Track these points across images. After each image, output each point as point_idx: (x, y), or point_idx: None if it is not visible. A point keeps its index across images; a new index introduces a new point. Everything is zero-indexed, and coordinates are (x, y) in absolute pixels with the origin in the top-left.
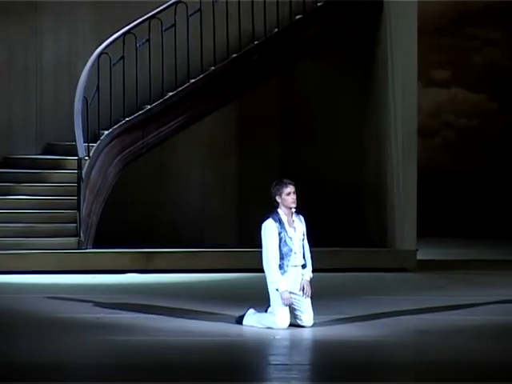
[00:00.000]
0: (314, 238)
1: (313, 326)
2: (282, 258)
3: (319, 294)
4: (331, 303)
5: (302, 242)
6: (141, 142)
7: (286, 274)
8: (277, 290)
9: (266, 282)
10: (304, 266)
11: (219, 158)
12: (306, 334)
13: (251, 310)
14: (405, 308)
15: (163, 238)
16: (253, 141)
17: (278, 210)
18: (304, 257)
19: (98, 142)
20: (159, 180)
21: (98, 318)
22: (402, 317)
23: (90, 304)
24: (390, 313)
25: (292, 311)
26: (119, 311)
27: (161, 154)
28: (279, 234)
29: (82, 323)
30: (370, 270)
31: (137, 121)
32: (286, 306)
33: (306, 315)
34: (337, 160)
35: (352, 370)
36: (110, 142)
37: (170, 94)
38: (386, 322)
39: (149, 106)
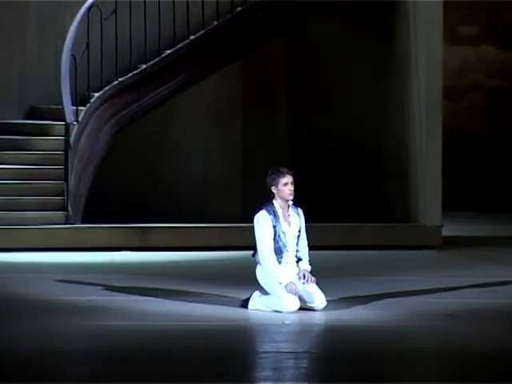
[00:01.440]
0: (330, 213)
1: (325, 309)
2: (277, 252)
3: (334, 274)
4: (347, 284)
5: (296, 239)
6: (135, 105)
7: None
8: (280, 283)
9: (259, 273)
10: (298, 261)
11: (222, 123)
12: (318, 318)
13: (257, 293)
14: (428, 289)
15: (160, 211)
16: (259, 104)
17: (274, 202)
18: (297, 254)
19: (88, 105)
20: (156, 147)
21: (89, 301)
22: (426, 299)
23: (80, 285)
24: (411, 295)
25: (301, 298)
26: (113, 293)
27: (158, 118)
28: (273, 227)
29: (70, 307)
30: (391, 247)
31: (131, 82)
32: (296, 294)
33: (317, 297)
34: (352, 128)
35: (368, 358)
36: (101, 105)
37: (168, 51)
38: (407, 305)
39: (144, 66)
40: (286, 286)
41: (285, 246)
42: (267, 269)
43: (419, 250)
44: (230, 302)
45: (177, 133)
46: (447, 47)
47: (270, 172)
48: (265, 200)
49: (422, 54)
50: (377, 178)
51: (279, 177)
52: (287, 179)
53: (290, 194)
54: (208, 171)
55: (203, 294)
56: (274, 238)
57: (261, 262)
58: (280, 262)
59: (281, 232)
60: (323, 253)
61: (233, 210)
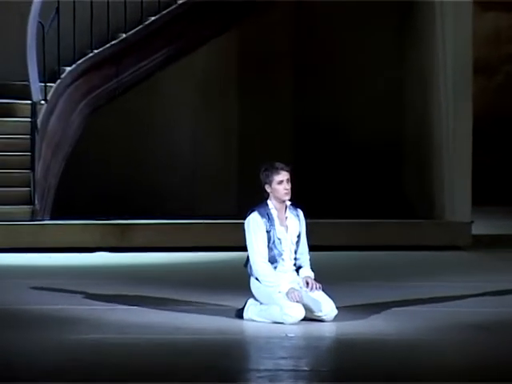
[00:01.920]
0: (341, 208)
1: (335, 319)
2: (270, 261)
3: (345, 279)
4: (360, 290)
5: (294, 246)
6: (114, 81)
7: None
8: (280, 292)
9: (255, 285)
10: (298, 270)
11: (215, 104)
12: (326, 330)
13: (252, 301)
14: (456, 296)
15: (143, 206)
16: (259, 82)
17: (268, 202)
18: (296, 261)
19: (58, 81)
20: (138, 131)
21: (59, 309)
22: (453, 308)
23: (49, 292)
24: (436, 302)
25: (306, 306)
26: (87, 301)
27: (140, 96)
28: (267, 232)
29: (37, 318)
30: (412, 247)
31: (108, 54)
32: (299, 302)
33: (325, 305)
34: (367, 110)
35: (385, 379)
36: (74, 81)
37: (152, 18)
38: (431, 316)
39: (124, 35)
40: (287, 294)
41: (280, 255)
42: (262, 278)
43: (445, 250)
44: (223, 312)
45: (162, 114)
46: (477, 14)
47: (263, 168)
48: (264, 194)
49: (448, 22)
50: (396, 167)
51: (273, 174)
52: (282, 176)
53: (285, 194)
54: (198, 159)
55: (192, 302)
56: (268, 245)
57: (254, 272)
58: (275, 269)
59: (276, 238)
60: (333, 254)
61: (227, 204)
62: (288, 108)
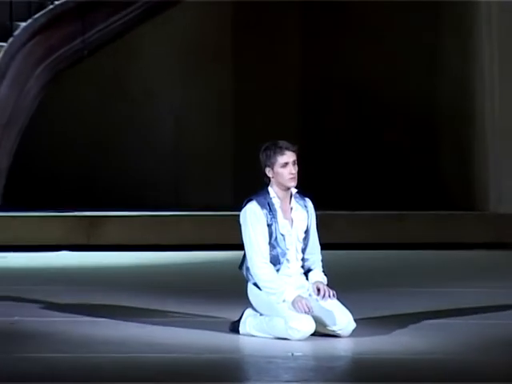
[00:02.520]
0: (362, 197)
1: (352, 334)
2: (271, 263)
3: (366, 284)
4: (385, 298)
5: (301, 244)
6: (80, 39)
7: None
8: (284, 301)
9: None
10: (307, 272)
11: (206, 70)
12: (342, 347)
13: (250, 312)
14: (502, 306)
15: (116, 194)
16: (258, 43)
17: (269, 190)
18: (304, 263)
19: (11, 40)
20: (109, 103)
21: (11, 323)
22: (497, 320)
23: (0, 301)
24: (477, 313)
25: (317, 319)
26: (46, 312)
27: (112, 59)
28: (268, 226)
29: None
30: (448, 245)
31: (72, 6)
32: (308, 313)
33: (340, 317)
34: (392, 70)
35: None
36: (30, 40)
37: None
38: (472, 329)
39: None
40: (293, 303)
41: (284, 254)
42: (262, 284)
43: (489, 249)
44: (214, 325)
45: (139, 83)
46: None
47: (263, 147)
48: (265, 179)
49: None
50: (428, 146)
51: (275, 154)
52: (287, 157)
53: (291, 180)
54: (184, 140)
55: (175, 312)
56: (270, 243)
57: (252, 276)
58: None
59: (278, 234)
60: (351, 253)
61: (219, 192)
62: (295, 75)
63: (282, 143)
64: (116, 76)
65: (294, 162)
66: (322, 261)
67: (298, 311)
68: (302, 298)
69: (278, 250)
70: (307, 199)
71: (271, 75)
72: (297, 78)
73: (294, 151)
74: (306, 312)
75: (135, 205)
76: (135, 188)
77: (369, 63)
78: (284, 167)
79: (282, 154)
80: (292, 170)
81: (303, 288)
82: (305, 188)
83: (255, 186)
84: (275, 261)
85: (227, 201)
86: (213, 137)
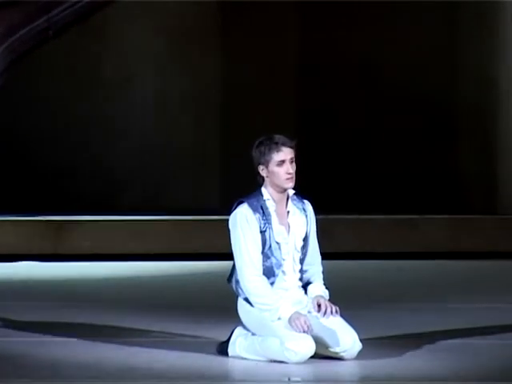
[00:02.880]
0: (373, 199)
1: (358, 356)
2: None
3: (375, 298)
4: (395, 315)
5: (299, 253)
6: (44, 17)
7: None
8: (280, 318)
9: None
10: (305, 286)
11: (190, 54)
12: (346, 371)
13: (241, 331)
14: None
15: (86, 196)
16: (249, 21)
17: (263, 191)
18: (302, 275)
19: None
20: (79, 90)
21: None
22: None
23: None
24: (499, 333)
25: (317, 339)
26: (6, 332)
27: (82, 41)
28: (261, 233)
29: None
30: (468, 254)
31: None
32: (304, 332)
33: (345, 337)
34: (407, 57)
35: None
36: None
37: None
38: (490, 351)
39: None
40: (289, 321)
41: (279, 265)
42: (254, 299)
43: None
44: (200, 346)
45: (112, 67)
46: None
47: (256, 142)
48: (258, 178)
49: None
50: (446, 141)
51: (271, 151)
52: (284, 155)
53: (288, 180)
54: (165, 132)
55: (156, 332)
56: (263, 252)
57: (243, 290)
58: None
59: (273, 242)
60: (357, 264)
61: (205, 194)
62: (293, 56)
63: (278, 138)
64: (86, 60)
65: (291, 159)
66: (322, 272)
67: (295, 330)
68: (300, 314)
69: (273, 260)
70: (306, 202)
71: (265, 62)
72: (295, 59)
73: (291, 147)
74: (304, 331)
75: (108, 208)
76: (109, 188)
77: (382, 53)
78: (280, 166)
79: (279, 151)
80: (289, 169)
81: (301, 304)
82: (303, 189)
83: (246, 187)
84: (269, 273)
85: (214, 203)
86: (198, 131)
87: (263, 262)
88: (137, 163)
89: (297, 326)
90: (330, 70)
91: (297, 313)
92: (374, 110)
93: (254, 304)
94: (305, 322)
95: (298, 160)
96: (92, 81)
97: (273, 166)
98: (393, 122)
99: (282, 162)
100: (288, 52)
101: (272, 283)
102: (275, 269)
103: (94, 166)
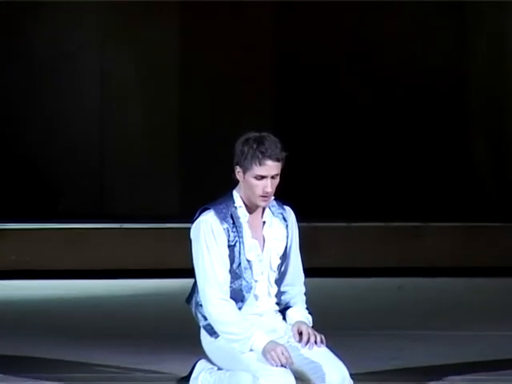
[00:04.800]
0: (355, 206)
1: None
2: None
3: (370, 324)
4: (391, 345)
5: (275, 273)
6: None
7: None
8: (252, 350)
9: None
10: (284, 311)
11: (142, 30)
12: None
13: (205, 364)
14: None
15: (21, 200)
16: None
17: (234, 195)
18: (280, 297)
19: None
20: (9, 73)
21: None
22: None
23: None
24: None
25: (298, 374)
26: None
27: (18, 15)
28: (230, 246)
29: None
30: (482, 270)
31: None
32: (282, 366)
33: (331, 372)
34: (407, 39)
35: None
36: None
37: None
38: None
39: None
40: (263, 352)
41: (250, 288)
42: (220, 328)
43: None
44: (156, 382)
45: (50, 46)
46: None
47: (244, 138)
48: (233, 176)
49: None
50: (456, 140)
51: (253, 159)
52: (266, 170)
53: (261, 199)
54: (113, 128)
55: (104, 366)
56: (230, 270)
57: (206, 314)
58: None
59: (243, 259)
60: (347, 282)
61: (162, 200)
62: (269, 29)
63: (266, 147)
64: (17, 34)
65: (275, 175)
66: (305, 294)
67: (271, 364)
68: (277, 344)
69: (242, 282)
70: (288, 209)
71: (237, 38)
72: (273, 45)
73: (279, 161)
74: (282, 364)
75: (43, 215)
76: (47, 191)
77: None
78: (258, 180)
79: (262, 164)
80: (268, 186)
81: (276, 332)
82: (284, 194)
83: (212, 190)
84: (237, 297)
85: (172, 209)
86: (152, 122)
87: (230, 283)
88: (77, 163)
89: (272, 359)
90: (313, 59)
91: (272, 342)
92: (366, 101)
93: (219, 333)
94: (282, 353)
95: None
96: (23, 57)
97: (250, 177)
98: (389, 114)
99: (262, 177)
100: (264, 35)
101: (239, 308)
102: (244, 292)
103: (27, 162)
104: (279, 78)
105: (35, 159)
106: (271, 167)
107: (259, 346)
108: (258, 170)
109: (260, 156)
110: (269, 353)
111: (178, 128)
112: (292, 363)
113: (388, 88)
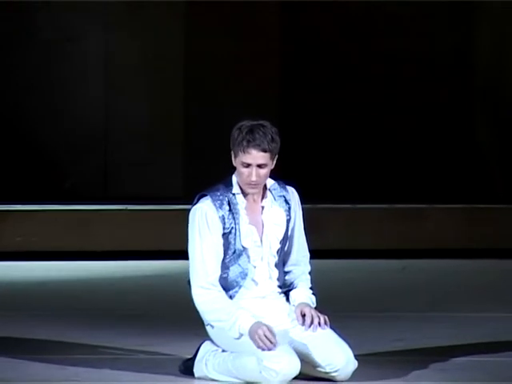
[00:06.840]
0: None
1: (352, 377)
2: (226, 288)
3: (374, 306)
4: (396, 326)
5: (276, 256)
6: None
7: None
8: (242, 334)
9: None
10: (287, 292)
11: (146, 8)
12: None
13: (209, 346)
14: None
15: (22, 182)
16: None
17: (233, 180)
18: (284, 278)
19: None
20: (12, 54)
21: None
22: None
23: None
24: None
25: (303, 357)
26: None
27: None
28: (225, 234)
29: None
30: (487, 251)
31: None
32: (272, 349)
33: (336, 354)
34: (410, 22)
35: None
36: None
37: None
38: (510, 370)
39: None
40: (249, 335)
41: (245, 275)
42: (205, 316)
43: None
44: (160, 365)
45: (52, 28)
46: None
47: (239, 125)
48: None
49: None
50: (461, 114)
51: (239, 146)
52: (251, 158)
53: (248, 186)
54: (117, 109)
55: (107, 348)
56: (225, 258)
57: (194, 299)
58: (237, 298)
59: (239, 246)
60: (352, 264)
61: (166, 182)
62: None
63: (256, 135)
64: (19, 17)
65: (260, 166)
66: (310, 273)
67: (257, 347)
68: (260, 325)
69: (237, 268)
70: (290, 189)
71: (244, 26)
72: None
73: (265, 151)
74: (270, 347)
75: (47, 196)
76: (47, 173)
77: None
78: (245, 167)
79: (245, 152)
80: (252, 175)
81: (279, 314)
82: (287, 174)
83: (214, 173)
84: (233, 283)
85: (176, 191)
86: (156, 104)
87: (225, 270)
88: (81, 143)
89: (258, 341)
90: (327, 47)
91: (256, 324)
92: (372, 84)
93: (206, 321)
94: (265, 335)
95: (281, 151)
96: (25, 39)
97: (238, 163)
98: (394, 97)
99: (248, 165)
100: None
101: (236, 292)
102: (240, 279)
103: (27, 143)
104: (286, 64)
105: (40, 141)
106: (256, 157)
107: (245, 329)
108: (243, 157)
109: (245, 144)
110: (254, 335)
111: (184, 114)
112: (276, 343)
113: (394, 71)
